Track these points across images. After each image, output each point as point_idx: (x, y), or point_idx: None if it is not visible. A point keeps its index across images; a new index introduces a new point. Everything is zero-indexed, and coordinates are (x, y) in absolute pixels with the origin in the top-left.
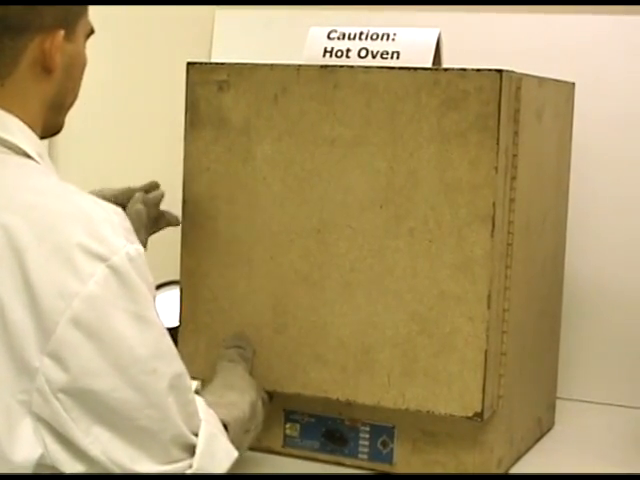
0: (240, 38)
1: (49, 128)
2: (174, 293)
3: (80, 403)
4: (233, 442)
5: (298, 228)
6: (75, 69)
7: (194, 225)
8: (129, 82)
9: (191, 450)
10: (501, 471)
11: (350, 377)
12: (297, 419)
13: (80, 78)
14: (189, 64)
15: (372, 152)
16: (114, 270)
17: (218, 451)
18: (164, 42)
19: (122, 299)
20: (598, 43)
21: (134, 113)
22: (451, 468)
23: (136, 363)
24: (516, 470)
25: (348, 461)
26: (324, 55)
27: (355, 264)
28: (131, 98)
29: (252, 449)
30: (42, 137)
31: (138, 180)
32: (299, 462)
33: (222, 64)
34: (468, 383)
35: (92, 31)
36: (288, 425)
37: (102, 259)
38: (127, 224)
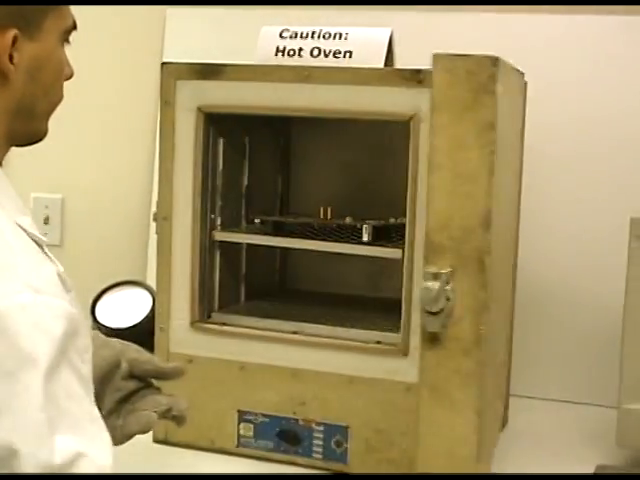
0: (192, 38)
1: (22, 136)
2: (127, 293)
3: None
4: None
5: None
6: (44, 72)
7: None
8: (80, 83)
9: None
10: None
11: None
12: (250, 419)
13: (55, 80)
14: None
15: None
16: None
17: None
18: (115, 42)
19: None
20: (551, 42)
21: (84, 114)
22: (404, 467)
23: None
24: None
25: (302, 461)
26: (276, 54)
27: None
28: (83, 100)
29: (206, 449)
30: (18, 145)
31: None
32: (253, 462)
33: None
34: None
35: (74, 26)
36: (242, 425)
37: None
38: (48, 277)
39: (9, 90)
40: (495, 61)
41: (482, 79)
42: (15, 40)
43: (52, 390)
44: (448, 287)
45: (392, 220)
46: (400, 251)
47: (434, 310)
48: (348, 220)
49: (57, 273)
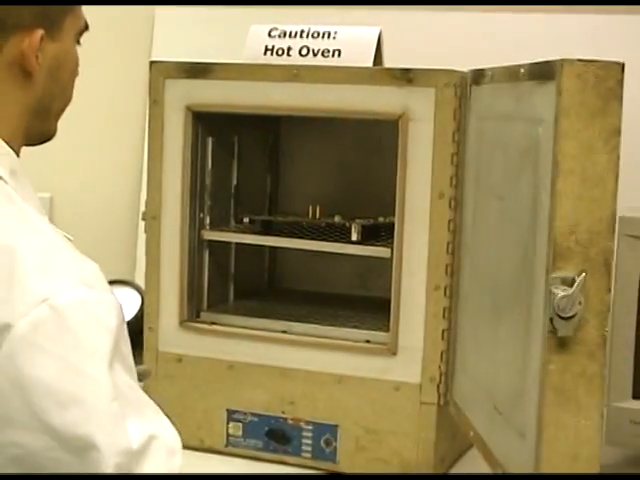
0: (180, 37)
1: (36, 135)
2: (116, 292)
3: (9, 460)
4: None
5: None
6: (62, 71)
7: None
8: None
9: None
10: (444, 469)
11: None
12: (239, 418)
13: (70, 80)
14: None
15: None
16: (55, 311)
17: None
18: (104, 42)
19: (57, 345)
20: (543, 42)
21: (73, 114)
22: (394, 466)
23: (66, 426)
24: (460, 466)
25: (292, 460)
26: (265, 53)
27: None
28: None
29: (195, 449)
30: (29, 144)
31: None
32: (242, 462)
33: None
34: None
35: (86, 27)
36: (231, 425)
37: (42, 297)
38: (94, 272)
39: (32, 89)
40: (623, 67)
41: (611, 85)
42: (41, 40)
43: (114, 379)
44: (578, 291)
45: (381, 219)
46: (389, 250)
47: (568, 315)
48: (337, 219)
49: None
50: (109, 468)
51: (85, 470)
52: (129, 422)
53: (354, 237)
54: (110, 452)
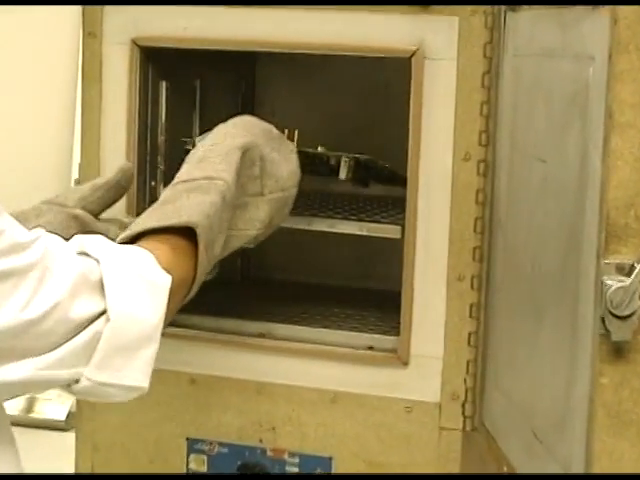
0: None
1: None
2: None
3: None
4: (207, 246)
5: None
6: None
7: None
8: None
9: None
10: None
11: None
12: (204, 449)
13: None
14: None
15: None
16: None
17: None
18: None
19: None
20: None
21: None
22: None
23: None
24: None
25: None
26: None
27: None
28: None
29: None
30: None
31: None
32: None
33: None
34: None
35: None
36: (192, 457)
37: None
38: None
39: None
40: None
41: None
42: None
43: None
44: (638, 282)
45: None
46: (399, 228)
47: (625, 313)
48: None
49: None
50: None
51: None
52: None
53: (342, 175)
54: None
